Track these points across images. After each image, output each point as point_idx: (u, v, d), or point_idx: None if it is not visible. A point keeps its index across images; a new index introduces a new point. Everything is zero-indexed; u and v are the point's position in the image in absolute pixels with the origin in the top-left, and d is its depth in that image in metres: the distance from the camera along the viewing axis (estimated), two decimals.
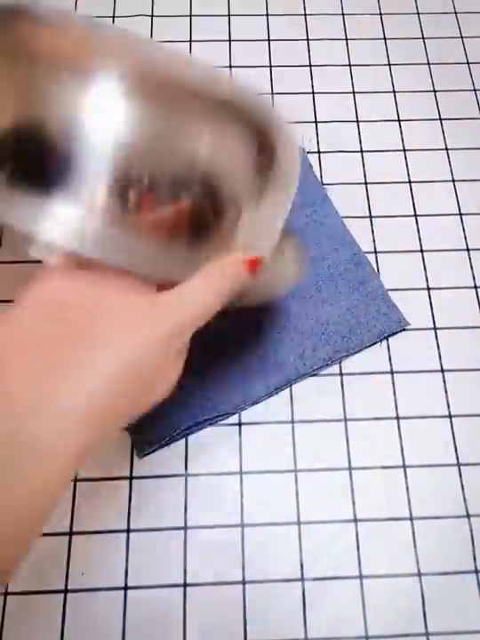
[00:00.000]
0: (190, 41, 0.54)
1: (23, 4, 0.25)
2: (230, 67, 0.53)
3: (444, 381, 0.42)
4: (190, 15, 0.56)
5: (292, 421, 0.40)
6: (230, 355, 0.41)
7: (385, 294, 0.44)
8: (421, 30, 0.55)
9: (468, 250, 0.46)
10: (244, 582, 0.36)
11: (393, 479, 0.39)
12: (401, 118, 0.51)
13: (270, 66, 0.53)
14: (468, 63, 0.54)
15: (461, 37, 0.55)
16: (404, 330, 0.43)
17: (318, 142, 0.50)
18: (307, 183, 0.47)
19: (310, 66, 0.53)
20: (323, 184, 0.48)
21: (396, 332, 0.43)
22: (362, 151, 0.50)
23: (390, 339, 0.43)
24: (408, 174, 0.49)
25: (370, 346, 0.42)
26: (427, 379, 0.42)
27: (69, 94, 0.22)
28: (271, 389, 0.40)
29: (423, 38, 0.55)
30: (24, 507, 0.21)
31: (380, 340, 0.42)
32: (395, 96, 0.52)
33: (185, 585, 0.36)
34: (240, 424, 0.40)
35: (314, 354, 0.41)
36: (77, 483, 0.38)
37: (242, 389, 0.40)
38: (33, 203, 0.22)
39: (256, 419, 0.40)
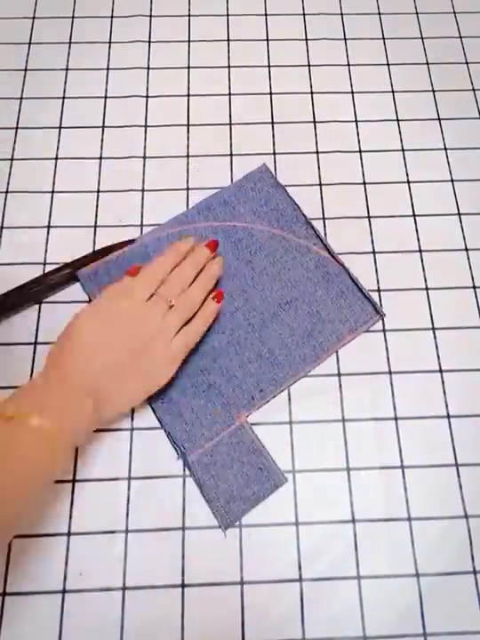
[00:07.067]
0: (188, 41, 0.54)
1: None
2: (229, 67, 0.53)
3: (443, 382, 0.42)
4: (188, 15, 0.56)
5: (291, 422, 0.40)
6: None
7: (355, 289, 0.44)
8: (420, 30, 0.55)
9: (466, 250, 0.46)
10: (242, 583, 0.36)
11: (391, 480, 0.39)
12: (400, 118, 0.51)
13: (268, 66, 0.53)
14: (466, 63, 0.54)
15: (460, 37, 0.55)
16: (403, 330, 0.43)
17: (317, 142, 0.50)
18: (276, 196, 0.47)
19: (309, 66, 0.53)
20: (321, 184, 0.48)
21: (374, 323, 0.43)
22: (360, 151, 0.50)
23: (389, 339, 0.43)
24: (407, 174, 0.49)
25: (350, 339, 0.42)
26: (425, 379, 0.42)
27: None
28: (266, 397, 0.41)
29: (422, 38, 0.55)
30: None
31: (356, 331, 0.43)
32: (394, 96, 0.52)
33: (183, 585, 0.36)
34: None
35: (291, 354, 0.42)
36: (76, 483, 0.38)
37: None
38: None
39: (254, 419, 0.40)
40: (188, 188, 0.48)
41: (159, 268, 0.40)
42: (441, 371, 0.42)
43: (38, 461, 0.32)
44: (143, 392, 0.38)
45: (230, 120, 0.51)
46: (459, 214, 0.48)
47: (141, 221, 0.46)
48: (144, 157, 0.49)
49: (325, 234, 0.46)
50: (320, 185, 0.48)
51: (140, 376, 0.37)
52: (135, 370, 0.37)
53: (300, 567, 0.37)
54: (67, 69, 0.53)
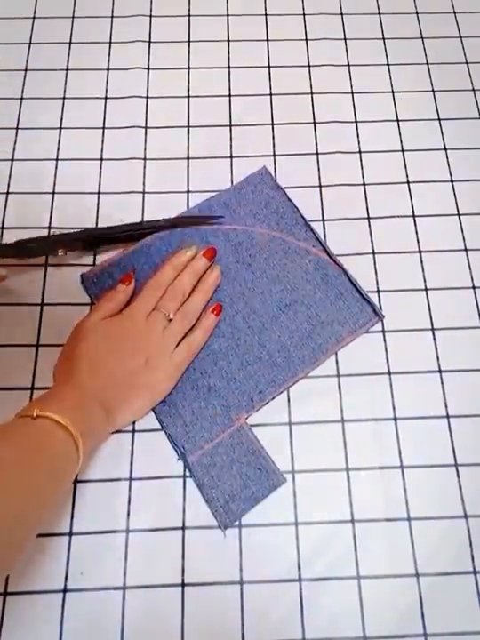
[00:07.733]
0: (189, 41, 0.54)
1: None
2: (229, 67, 0.53)
3: (442, 382, 0.42)
4: (189, 15, 0.56)
5: (290, 423, 0.40)
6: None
7: (354, 290, 0.44)
8: (420, 30, 0.55)
9: (466, 250, 0.46)
10: (241, 582, 0.36)
11: (391, 480, 0.39)
12: (400, 118, 0.51)
13: (269, 66, 0.53)
14: (466, 63, 0.54)
15: (460, 37, 0.55)
16: (403, 331, 0.43)
17: (316, 143, 0.50)
18: (276, 198, 0.47)
19: (309, 66, 0.53)
20: (321, 186, 0.48)
21: (373, 325, 0.43)
22: (360, 152, 0.50)
23: (388, 339, 0.43)
24: (406, 175, 0.49)
25: (349, 340, 0.42)
26: (424, 380, 0.42)
27: None
28: (266, 397, 0.41)
29: (422, 38, 0.55)
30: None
31: (355, 332, 0.43)
32: (393, 96, 0.52)
33: (183, 585, 0.36)
34: None
35: (290, 356, 0.42)
36: (77, 484, 0.38)
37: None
38: None
39: (253, 421, 0.40)
40: (188, 191, 0.48)
41: (159, 284, 0.42)
42: (440, 371, 0.42)
43: (65, 459, 0.33)
44: (147, 404, 0.40)
45: (230, 121, 0.51)
46: (458, 214, 0.48)
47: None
48: (144, 159, 0.49)
49: (325, 235, 0.46)
50: (320, 186, 0.48)
51: (143, 390, 0.39)
52: (138, 384, 0.38)
53: (299, 567, 0.37)
54: (67, 69, 0.53)
